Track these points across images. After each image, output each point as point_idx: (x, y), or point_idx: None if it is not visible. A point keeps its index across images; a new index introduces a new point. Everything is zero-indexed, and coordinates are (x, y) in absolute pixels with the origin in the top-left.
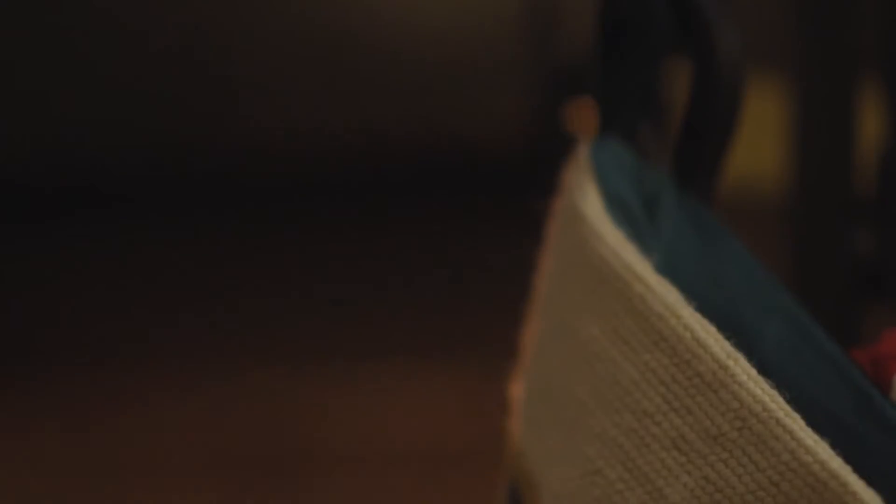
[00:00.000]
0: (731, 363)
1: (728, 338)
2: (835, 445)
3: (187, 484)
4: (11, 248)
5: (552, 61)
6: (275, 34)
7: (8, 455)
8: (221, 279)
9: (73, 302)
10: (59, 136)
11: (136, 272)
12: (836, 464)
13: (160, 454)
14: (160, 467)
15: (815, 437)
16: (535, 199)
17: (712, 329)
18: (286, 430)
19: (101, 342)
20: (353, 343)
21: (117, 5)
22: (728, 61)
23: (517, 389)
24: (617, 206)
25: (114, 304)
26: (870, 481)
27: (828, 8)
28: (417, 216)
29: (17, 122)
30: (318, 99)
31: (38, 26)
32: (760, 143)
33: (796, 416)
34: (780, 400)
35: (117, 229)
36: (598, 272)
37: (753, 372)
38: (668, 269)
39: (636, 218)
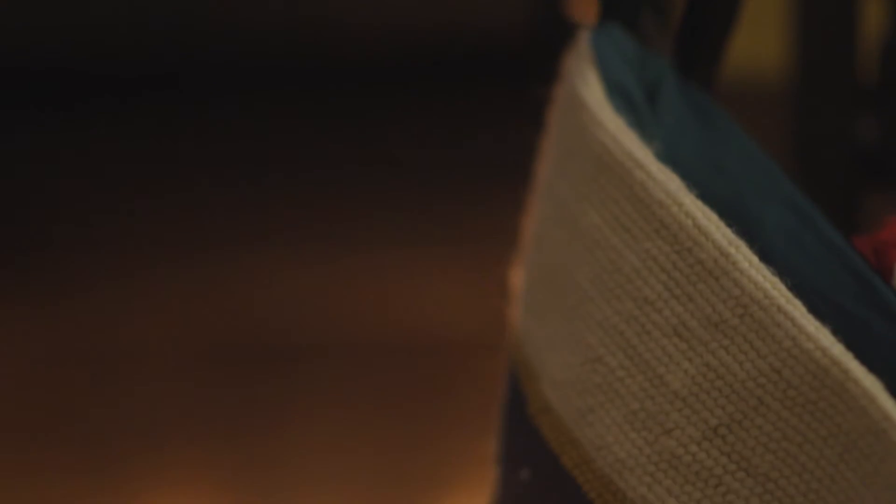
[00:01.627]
0: (732, 250)
1: (729, 225)
2: (836, 332)
3: (170, 367)
4: None
5: None
6: None
7: None
8: (214, 158)
9: (52, 184)
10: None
11: (117, 152)
12: (838, 350)
13: (139, 339)
14: (138, 352)
15: (817, 323)
16: (536, 86)
17: (714, 216)
18: (281, 318)
19: (78, 224)
20: (350, 232)
21: None
22: None
23: (517, 277)
24: (618, 94)
25: (94, 183)
26: (871, 367)
27: None
28: (417, 104)
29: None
30: None
31: None
32: (763, 30)
33: (798, 302)
34: (782, 287)
35: (96, 108)
36: (599, 160)
37: (755, 259)
38: (669, 157)
39: (637, 105)
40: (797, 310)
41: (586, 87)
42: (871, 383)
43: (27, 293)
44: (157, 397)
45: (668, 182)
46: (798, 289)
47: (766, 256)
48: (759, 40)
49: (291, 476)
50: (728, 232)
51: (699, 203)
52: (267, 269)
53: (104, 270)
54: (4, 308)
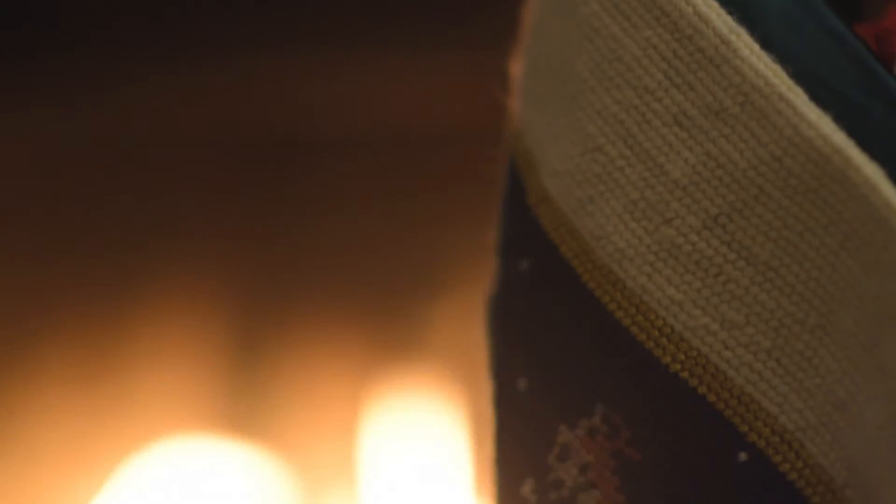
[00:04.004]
0: (733, 38)
1: (730, 12)
2: (837, 120)
3: (187, 158)
4: None
5: None
6: None
7: (6, 137)
8: None
9: None
10: None
11: None
12: (839, 138)
13: (157, 131)
14: (156, 144)
15: (818, 111)
16: None
17: (714, 3)
18: (287, 114)
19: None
20: (349, 27)
21: None
22: None
23: (516, 67)
24: None
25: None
26: (872, 155)
27: None
28: None
29: None
30: None
31: None
32: None
33: (799, 90)
34: (783, 74)
35: None
36: None
37: (756, 46)
38: None
39: None
40: (798, 97)
41: None
42: (872, 171)
43: (58, 87)
44: (179, 190)
45: None
46: (799, 77)
47: (766, 44)
48: None
49: (300, 274)
50: (729, 19)
51: None
52: (280, 67)
53: (135, 64)
54: (34, 104)
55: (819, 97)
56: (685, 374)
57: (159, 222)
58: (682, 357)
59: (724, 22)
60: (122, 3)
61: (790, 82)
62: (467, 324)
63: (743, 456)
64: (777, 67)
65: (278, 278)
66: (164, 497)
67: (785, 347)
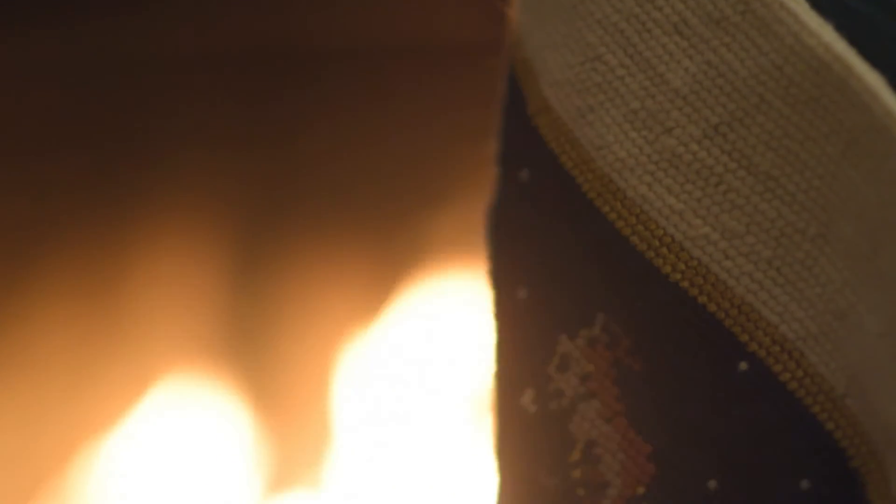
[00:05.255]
0: None
1: None
2: (839, 28)
3: (184, 73)
4: None
5: None
6: None
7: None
8: None
9: None
10: None
11: None
12: (840, 46)
13: (152, 48)
14: (152, 61)
15: (819, 20)
16: None
17: None
18: (287, 25)
19: None
20: None
21: None
22: None
23: None
24: None
25: None
26: (874, 64)
27: None
28: None
29: None
30: None
31: None
32: None
33: None
34: None
35: None
36: None
37: None
38: None
39: None
40: (799, 6)
41: None
42: (873, 79)
43: (50, 8)
44: (177, 107)
45: None
46: None
47: None
48: None
49: (301, 189)
50: None
51: None
52: None
53: None
54: (28, 27)
55: (820, 6)
56: (685, 284)
57: (157, 139)
58: (683, 267)
59: None
60: None
61: None
62: (468, 235)
63: (743, 365)
64: None
65: (278, 191)
66: (166, 420)
67: (785, 257)
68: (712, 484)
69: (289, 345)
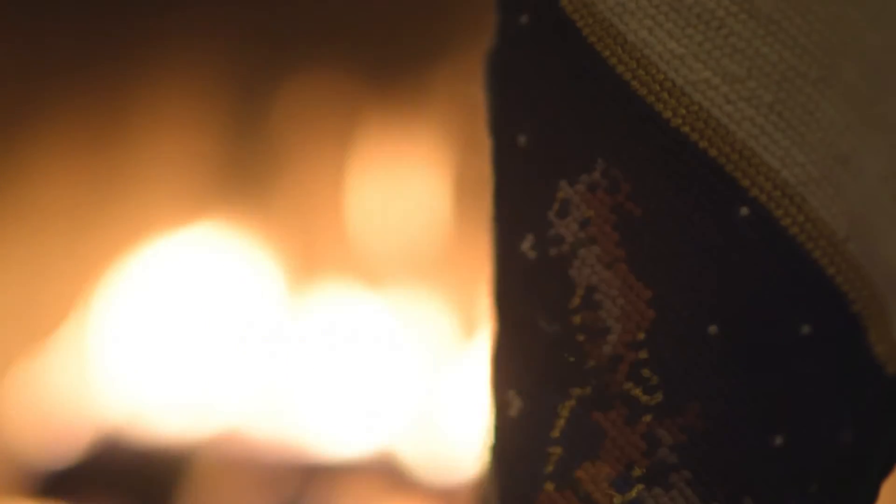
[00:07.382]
0: None
1: None
2: None
3: None
4: None
5: None
6: None
7: None
8: None
9: None
10: None
11: None
12: None
13: None
14: None
15: None
16: None
17: None
18: None
19: None
20: None
21: None
22: None
23: None
24: None
25: None
26: None
27: None
28: None
29: None
30: None
31: None
32: None
33: None
34: None
35: None
36: None
37: None
38: None
39: None
40: None
41: None
42: None
43: None
44: None
45: None
46: None
47: None
48: None
49: (307, 36)
50: None
51: None
52: None
53: None
54: None
55: None
56: (686, 129)
57: None
58: (683, 111)
59: None
60: None
61: None
62: (467, 83)
63: (744, 210)
64: None
65: (278, 34)
66: (167, 268)
67: (787, 101)
68: (712, 329)
69: (290, 187)
